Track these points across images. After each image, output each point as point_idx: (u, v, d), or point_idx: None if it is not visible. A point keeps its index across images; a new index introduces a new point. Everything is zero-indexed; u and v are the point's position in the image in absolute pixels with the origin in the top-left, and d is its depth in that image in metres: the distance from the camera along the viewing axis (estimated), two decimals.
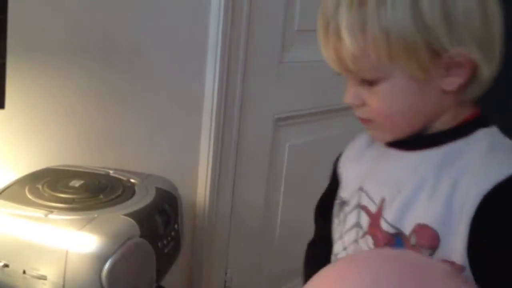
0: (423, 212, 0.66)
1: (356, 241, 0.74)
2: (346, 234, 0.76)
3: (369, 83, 0.66)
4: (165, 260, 0.86)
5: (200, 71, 1.23)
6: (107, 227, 0.77)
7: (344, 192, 0.79)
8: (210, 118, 1.26)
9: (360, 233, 0.73)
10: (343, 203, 0.78)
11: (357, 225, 0.74)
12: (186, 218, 1.28)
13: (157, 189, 0.90)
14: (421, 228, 0.66)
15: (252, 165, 1.42)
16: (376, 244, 0.71)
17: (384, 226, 0.69)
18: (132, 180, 0.92)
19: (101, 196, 0.84)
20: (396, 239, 0.69)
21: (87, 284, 0.75)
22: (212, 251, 1.37)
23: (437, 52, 0.63)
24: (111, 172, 0.95)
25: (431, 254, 0.65)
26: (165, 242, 0.85)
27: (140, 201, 0.85)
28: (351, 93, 0.68)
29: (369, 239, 0.72)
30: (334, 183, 0.82)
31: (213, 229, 1.35)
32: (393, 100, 0.67)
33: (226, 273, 1.44)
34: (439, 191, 0.66)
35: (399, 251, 0.66)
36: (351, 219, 0.75)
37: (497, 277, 0.63)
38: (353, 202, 0.76)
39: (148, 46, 1.12)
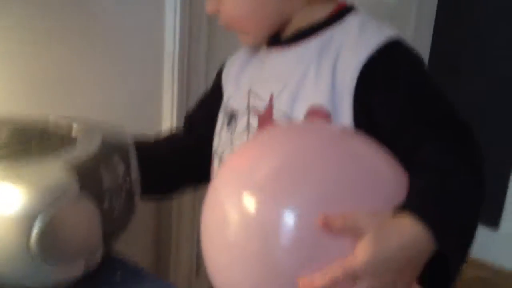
0: (312, 95, 0.71)
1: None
2: (236, 139, 0.79)
3: None
4: (113, 222, 0.71)
5: (159, 9, 1.08)
6: (36, 179, 0.61)
7: (234, 101, 0.82)
8: (172, 60, 1.12)
9: (252, 133, 0.77)
10: (234, 112, 0.81)
11: (247, 127, 0.78)
12: None
13: (105, 136, 0.74)
14: (313, 110, 0.71)
15: None
16: None
17: (277, 116, 0.74)
18: (75, 126, 0.76)
19: (32, 143, 0.68)
20: None
21: (12, 251, 0.60)
22: (182, 216, 1.24)
23: None
24: (51, 118, 0.79)
25: None
26: (113, 199, 0.70)
27: (82, 150, 0.69)
28: (208, 2, 0.77)
29: None
30: (214, 93, 0.87)
31: None
32: (236, 4, 0.75)
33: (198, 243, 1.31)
34: (323, 72, 0.71)
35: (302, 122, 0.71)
36: (242, 123, 0.79)
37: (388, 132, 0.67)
38: (243, 107, 0.79)
39: None
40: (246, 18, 0.75)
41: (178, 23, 1.09)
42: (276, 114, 0.74)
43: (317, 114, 0.70)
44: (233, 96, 0.83)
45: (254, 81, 0.79)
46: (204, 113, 0.90)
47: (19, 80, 0.91)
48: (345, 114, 0.69)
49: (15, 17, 0.88)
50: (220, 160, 0.82)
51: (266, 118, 0.75)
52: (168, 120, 1.13)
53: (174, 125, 1.14)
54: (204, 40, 1.18)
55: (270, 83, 0.76)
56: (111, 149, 0.73)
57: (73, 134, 0.74)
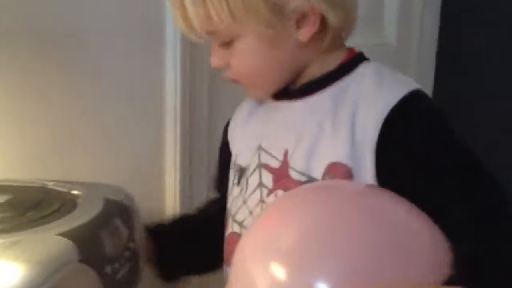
0: (330, 151, 0.67)
1: (262, 201, 0.73)
2: (250, 198, 0.75)
3: (226, 44, 0.69)
4: None
5: (159, 63, 1.06)
6: (34, 252, 0.58)
7: (242, 158, 0.78)
8: (174, 119, 1.09)
9: (266, 192, 0.73)
10: (243, 169, 0.77)
11: (260, 185, 0.74)
12: None
13: (106, 200, 0.72)
14: (333, 167, 0.67)
15: None
16: None
17: (294, 176, 0.70)
18: (74, 192, 0.74)
19: (30, 214, 0.65)
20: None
21: None
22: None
23: (279, 7, 0.66)
24: (49, 184, 0.77)
25: None
26: (116, 265, 0.66)
27: (82, 216, 0.66)
28: (214, 56, 0.72)
29: (280, 193, 0.71)
30: (225, 153, 0.84)
31: None
32: (249, 59, 0.70)
33: None
34: (340, 127, 0.67)
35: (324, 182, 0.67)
36: (253, 181, 0.74)
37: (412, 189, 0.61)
38: (253, 164, 0.75)
39: (94, 34, 0.95)
40: (259, 73, 0.71)
41: (179, 77, 1.08)
42: (292, 172, 0.70)
43: (338, 172, 0.66)
44: (241, 152, 0.79)
45: (264, 136, 0.75)
46: (222, 172, 0.86)
47: (10, 144, 0.89)
48: (368, 172, 0.65)
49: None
50: (233, 221, 0.78)
51: (281, 177, 0.71)
52: (171, 179, 1.10)
53: (178, 185, 1.10)
54: (206, 94, 1.16)
55: (282, 138, 0.73)
56: (112, 213, 0.70)
57: (73, 199, 0.72)
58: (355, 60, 0.72)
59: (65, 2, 0.92)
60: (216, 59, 0.72)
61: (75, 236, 0.61)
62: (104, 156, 0.99)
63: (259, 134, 0.76)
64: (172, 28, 1.05)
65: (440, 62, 1.88)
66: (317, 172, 0.67)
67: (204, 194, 1.18)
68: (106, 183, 0.81)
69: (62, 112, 0.93)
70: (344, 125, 0.67)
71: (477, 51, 1.86)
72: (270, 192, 0.72)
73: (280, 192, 0.71)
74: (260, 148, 0.74)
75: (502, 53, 1.84)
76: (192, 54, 1.09)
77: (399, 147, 0.65)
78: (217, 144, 1.21)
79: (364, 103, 0.67)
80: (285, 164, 0.71)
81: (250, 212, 0.75)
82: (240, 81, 0.73)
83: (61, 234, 0.61)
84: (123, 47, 1.00)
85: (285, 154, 0.71)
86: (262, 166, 0.74)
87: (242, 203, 0.76)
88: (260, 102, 0.79)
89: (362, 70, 0.71)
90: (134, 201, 0.76)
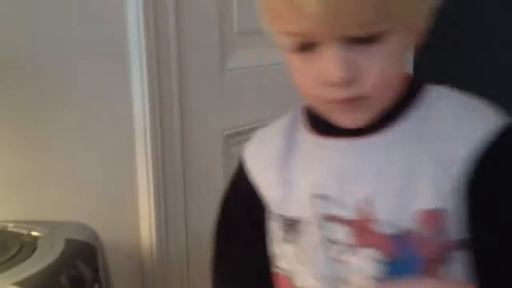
0: (422, 195, 0.57)
1: (335, 260, 0.61)
2: (311, 253, 0.62)
3: (368, 41, 0.53)
4: None
5: (124, 86, 1.03)
6: None
7: (289, 208, 0.64)
8: (144, 142, 1.05)
9: (337, 249, 0.61)
10: (294, 222, 0.63)
11: (328, 241, 0.61)
12: (131, 268, 1.06)
13: (67, 240, 0.68)
14: (427, 213, 0.57)
15: (204, 190, 1.22)
16: (380, 252, 0.58)
17: (378, 228, 0.58)
18: (34, 233, 0.71)
19: None
20: (396, 238, 0.58)
21: None
22: None
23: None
24: (9, 226, 0.73)
25: (439, 236, 0.57)
26: None
27: (41, 260, 0.63)
28: (343, 63, 0.53)
29: (362, 252, 0.59)
30: (249, 198, 0.68)
31: (166, 274, 1.13)
32: (394, 63, 0.56)
33: None
34: (424, 167, 0.58)
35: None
36: (311, 235, 0.62)
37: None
38: (311, 216, 0.62)
39: (54, 58, 0.92)
40: (393, 81, 0.58)
41: (147, 101, 1.05)
42: (374, 224, 0.59)
43: (431, 220, 0.57)
44: (284, 201, 0.65)
45: (320, 182, 0.62)
46: (242, 221, 0.71)
47: None
48: (461, 217, 0.57)
49: None
50: (291, 277, 0.66)
51: (361, 230, 0.60)
52: (145, 206, 1.07)
53: (153, 212, 1.07)
54: (176, 117, 1.13)
55: (352, 183, 0.61)
56: (74, 255, 0.67)
57: (33, 242, 0.68)
58: (415, 83, 0.63)
59: (24, 30, 0.89)
60: (345, 66, 0.53)
61: (33, 284, 0.58)
62: (70, 190, 0.95)
63: (311, 178, 0.63)
64: (137, 53, 1.02)
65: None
66: (408, 221, 0.58)
67: (181, 220, 1.15)
68: (72, 219, 0.78)
69: (23, 146, 0.89)
70: (428, 165, 0.58)
71: None
72: (348, 249, 0.60)
73: (364, 251, 0.60)
74: (319, 196, 0.62)
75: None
76: (159, 76, 1.07)
77: (497, 186, 0.57)
78: (192, 167, 1.19)
79: (453, 137, 0.58)
80: (363, 214, 0.60)
81: (322, 277, 0.62)
82: (365, 97, 0.56)
83: (18, 284, 0.58)
84: (88, 81, 0.97)
85: (363, 202, 0.60)
86: (326, 218, 0.62)
87: (302, 258, 0.64)
88: (294, 139, 0.67)
89: (434, 96, 0.61)
90: (99, 239, 0.73)
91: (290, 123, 0.68)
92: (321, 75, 0.54)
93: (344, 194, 0.60)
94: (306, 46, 0.54)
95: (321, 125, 0.62)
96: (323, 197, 0.62)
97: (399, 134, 0.60)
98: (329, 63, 0.53)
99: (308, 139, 0.64)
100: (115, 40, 1.01)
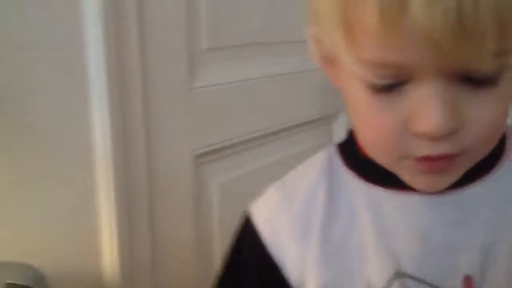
0: None
1: None
2: None
3: (480, 81, 0.41)
4: None
5: (84, 111, 0.96)
6: None
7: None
8: (106, 171, 0.99)
9: None
10: None
11: None
12: None
13: (7, 286, 0.62)
14: None
15: (175, 217, 1.15)
16: None
17: None
18: None
19: None
20: None
21: None
22: None
23: None
24: None
25: None
26: None
27: None
28: (448, 109, 0.40)
29: None
30: (266, 279, 0.53)
31: None
32: (505, 107, 0.44)
33: None
34: None
35: None
36: None
37: None
38: None
39: (7, 79, 0.85)
40: (498, 133, 0.46)
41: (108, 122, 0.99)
42: None
43: None
44: (332, 283, 0.50)
45: (404, 255, 0.48)
46: None
47: None
48: None
49: None
50: None
51: None
52: (107, 239, 1.00)
53: (115, 244, 1.00)
54: (142, 135, 1.07)
55: (449, 256, 0.47)
56: None
57: None
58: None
59: None
60: (448, 117, 0.41)
61: None
62: (18, 224, 0.87)
63: (391, 252, 0.49)
64: (96, 73, 0.96)
65: None
66: None
67: (147, 252, 1.09)
68: (19, 258, 0.71)
69: None
70: None
71: None
72: None
73: None
74: (406, 277, 0.47)
75: None
76: (121, 96, 1.00)
77: None
78: (159, 192, 1.12)
79: None
80: None
81: None
82: (465, 153, 0.45)
83: None
84: (43, 104, 0.91)
85: (466, 281, 0.47)
86: None
87: None
88: (339, 195, 0.52)
89: None
90: (44, 281, 0.66)
91: (327, 170, 0.54)
92: (412, 123, 0.41)
93: (442, 271, 0.47)
94: (397, 83, 0.42)
95: (377, 173, 0.49)
96: (410, 276, 0.47)
97: (483, 192, 0.48)
98: (428, 108, 0.40)
99: (361, 194, 0.50)
100: (74, 60, 0.95)
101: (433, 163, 0.43)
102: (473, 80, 0.41)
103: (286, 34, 1.33)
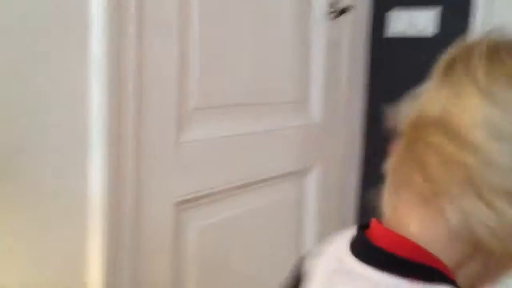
0: None
1: None
2: None
3: None
4: None
5: (81, 163, 1.08)
6: None
7: None
8: (98, 219, 1.10)
9: None
10: None
11: None
12: None
13: None
14: None
15: (154, 259, 1.27)
16: None
17: None
18: None
19: None
20: None
21: None
22: None
23: None
24: None
25: None
26: None
27: None
28: None
29: None
30: None
31: None
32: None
33: None
34: None
35: None
36: None
37: None
38: None
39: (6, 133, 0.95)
40: None
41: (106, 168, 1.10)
42: None
43: None
44: None
45: None
46: None
47: None
48: None
49: None
50: None
51: None
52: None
53: None
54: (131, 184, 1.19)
55: None
56: None
57: None
58: None
59: None
60: None
61: None
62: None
63: None
64: (97, 132, 1.09)
65: (367, 139, 1.96)
66: None
67: None
68: None
69: None
70: None
71: None
72: None
73: None
74: None
75: None
76: (118, 152, 1.13)
77: None
78: (144, 239, 1.24)
79: None
80: None
81: None
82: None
83: None
84: (42, 157, 1.01)
85: None
86: None
87: None
88: None
89: None
90: None
91: None
92: None
93: None
94: None
95: None
96: None
97: None
98: None
99: None
100: (75, 120, 1.06)
101: None
102: None
103: (267, 96, 1.48)
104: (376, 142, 1.95)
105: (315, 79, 1.63)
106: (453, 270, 0.54)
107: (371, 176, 1.98)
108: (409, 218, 0.57)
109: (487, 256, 0.55)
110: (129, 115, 1.15)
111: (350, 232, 0.62)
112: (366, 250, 0.58)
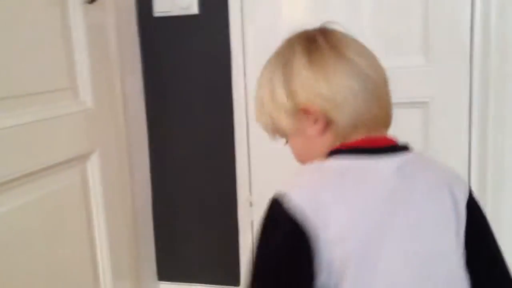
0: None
1: None
2: None
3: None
4: None
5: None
6: None
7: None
8: None
9: None
10: None
11: None
12: None
13: None
14: None
15: None
16: None
17: None
18: None
19: None
20: None
21: None
22: None
23: (292, 115, 0.87)
24: None
25: None
26: None
27: None
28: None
29: None
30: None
31: None
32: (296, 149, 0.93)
33: None
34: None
35: None
36: None
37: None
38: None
39: None
40: (302, 157, 0.95)
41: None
42: None
43: None
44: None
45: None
46: None
47: None
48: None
49: None
50: None
51: None
52: None
53: None
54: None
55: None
56: None
57: None
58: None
59: None
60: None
61: None
62: None
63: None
64: None
65: (151, 118, 2.02)
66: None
67: None
68: None
69: None
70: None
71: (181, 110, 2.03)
72: None
73: None
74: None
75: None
76: None
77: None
78: None
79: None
80: None
81: None
82: None
83: None
84: None
85: None
86: None
87: None
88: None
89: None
90: None
91: None
92: None
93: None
94: None
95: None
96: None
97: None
98: None
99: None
100: None
101: None
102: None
103: (32, 86, 1.42)
104: (161, 120, 2.03)
105: (80, 65, 1.62)
106: None
107: (159, 155, 2.05)
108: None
109: None
110: None
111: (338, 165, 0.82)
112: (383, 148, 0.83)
